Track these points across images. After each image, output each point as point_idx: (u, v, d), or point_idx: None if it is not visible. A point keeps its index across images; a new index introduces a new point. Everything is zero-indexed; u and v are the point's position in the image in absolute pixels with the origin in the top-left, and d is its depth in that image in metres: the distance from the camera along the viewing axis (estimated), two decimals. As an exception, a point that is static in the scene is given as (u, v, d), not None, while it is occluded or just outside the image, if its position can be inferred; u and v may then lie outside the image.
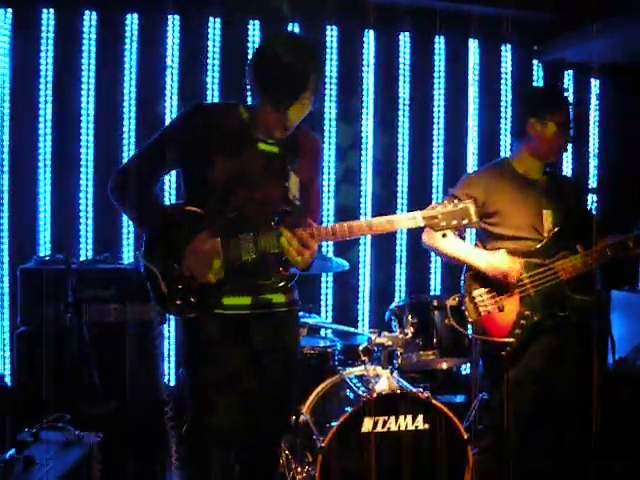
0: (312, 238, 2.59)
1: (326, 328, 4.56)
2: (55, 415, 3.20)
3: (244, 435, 2.83)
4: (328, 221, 5.01)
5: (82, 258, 4.64)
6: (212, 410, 2.73)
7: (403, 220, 2.69)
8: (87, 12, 4.70)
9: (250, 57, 2.72)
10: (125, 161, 2.84)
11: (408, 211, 5.12)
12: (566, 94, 3.74)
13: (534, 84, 5.58)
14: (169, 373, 4.78)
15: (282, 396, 2.88)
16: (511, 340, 3.27)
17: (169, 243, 2.70)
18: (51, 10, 4.64)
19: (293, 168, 2.74)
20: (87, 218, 4.78)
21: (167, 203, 2.87)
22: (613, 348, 4.04)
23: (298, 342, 3.06)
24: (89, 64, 4.73)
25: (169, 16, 4.84)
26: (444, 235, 2.72)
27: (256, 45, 4.95)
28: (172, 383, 4.75)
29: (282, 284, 2.77)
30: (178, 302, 2.67)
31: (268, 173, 2.73)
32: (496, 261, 3.29)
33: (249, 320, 2.75)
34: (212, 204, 2.69)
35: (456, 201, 2.66)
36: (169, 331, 4.73)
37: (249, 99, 2.79)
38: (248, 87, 2.71)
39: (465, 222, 2.65)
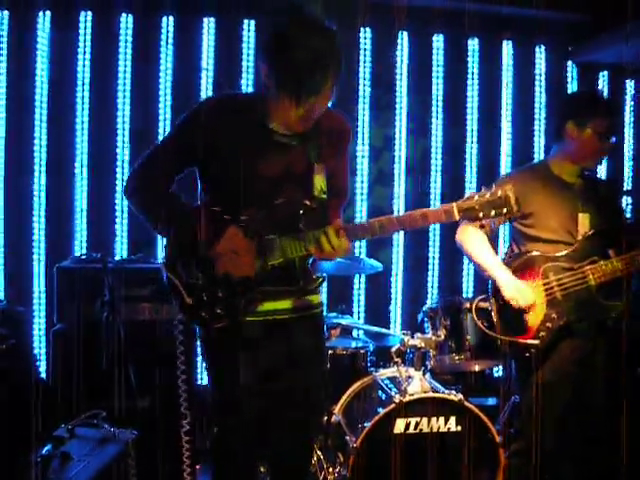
0: (344, 237, 2.47)
1: (358, 329, 4.56)
2: (91, 412, 3.25)
3: (276, 437, 2.78)
4: (361, 222, 5.01)
5: (117, 257, 4.69)
6: (239, 413, 2.65)
7: (437, 213, 2.49)
8: (124, 15, 4.77)
9: (268, 44, 2.42)
10: (138, 162, 2.65)
11: (441, 214, 5.21)
12: (610, 100, 3.65)
13: (569, 86, 5.54)
14: (201, 372, 4.81)
15: (315, 397, 2.80)
16: (536, 342, 3.26)
17: (191, 250, 2.53)
18: (89, 13, 4.73)
19: (317, 158, 2.58)
20: (122, 218, 4.83)
21: (186, 203, 2.65)
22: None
23: (324, 341, 2.96)
24: (125, 66, 4.80)
25: (204, 18, 4.88)
26: (482, 227, 2.58)
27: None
28: (204, 382, 4.78)
29: (312, 286, 2.71)
30: (203, 314, 2.55)
31: (291, 170, 2.58)
32: (510, 284, 3.29)
33: (281, 324, 2.66)
34: (232, 205, 2.54)
35: (494, 189, 2.50)
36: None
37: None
38: (263, 78, 2.47)
39: (505, 211, 2.49)
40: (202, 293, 2.54)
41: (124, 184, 2.69)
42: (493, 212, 2.48)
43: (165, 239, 2.66)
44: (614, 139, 3.43)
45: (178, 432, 3.75)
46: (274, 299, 2.63)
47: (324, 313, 2.90)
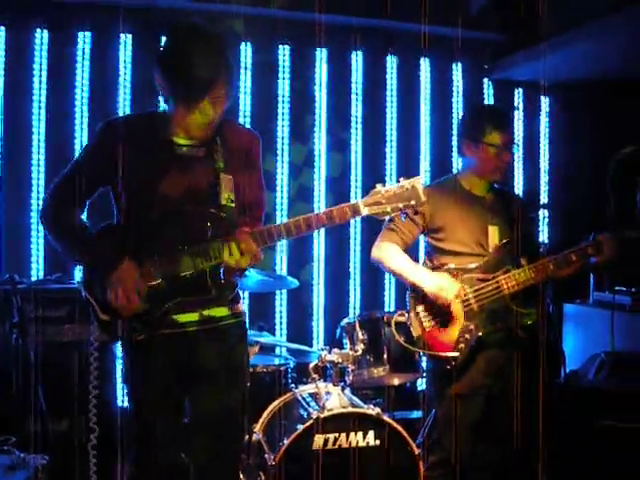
0: (251, 241, 2.48)
1: (278, 346, 4.55)
2: (0, 438, 3.16)
3: (200, 456, 2.71)
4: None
5: (33, 278, 4.59)
6: (156, 432, 2.62)
7: (342, 210, 2.51)
8: (39, 30, 4.69)
9: (155, 55, 2.55)
10: (49, 190, 2.72)
11: (362, 231, 5.27)
12: (500, 112, 3.72)
13: (483, 102, 5.65)
14: (123, 394, 4.73)
15: (232, 413, 2.73)
16: (455, 354, 3.29)
17: (101, 269, 2.57)
18: (1, 28, 4.63)
19: (224, 169, 2.61)
20: (38, 237, 4.73)
21: (89, 232, 2.71)
22: (563, 361, 4.09)
23: (245, 355, 2.86)
24: (40, 82, 4.71)
25: (121, 34, 4.83)
26: (390, 220, 2.54)
27: None
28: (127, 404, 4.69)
29: (225, 296, 2.69)
30: (119, 329, 2.57)
31: (196, 179, 2.60)
32: (434, 282, 3.31)
33: (193, 337, 2.64)
34: (141, 220, 2.57)
35: (401, 180, 2.52)
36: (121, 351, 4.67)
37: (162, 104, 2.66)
38: (159, 89, 2.55)
39: (413, 203, 2.49)
40: (116, 309, 2.54)
41: (40, 212, 2.73)
42: (401, 205, 2.49)
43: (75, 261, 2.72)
44: (515, 149, 3.51)
45: (93, 456, 3.70)
46: (185, 311, 2.62)
47: (245, 325, 2.86)
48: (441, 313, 3.34)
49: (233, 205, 2.60)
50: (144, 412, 2.66)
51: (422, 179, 2.54)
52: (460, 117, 3.86)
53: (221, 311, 2.70)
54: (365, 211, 2.50)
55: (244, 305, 2.87)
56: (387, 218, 3.42)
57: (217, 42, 2.51)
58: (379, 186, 2.53)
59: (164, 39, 2.59)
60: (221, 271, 2.58)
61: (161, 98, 2.62)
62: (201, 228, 2.55)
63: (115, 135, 2.59)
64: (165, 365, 2.61)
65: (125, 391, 2.84)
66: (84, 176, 2.61)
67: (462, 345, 3.30)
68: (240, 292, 2.85)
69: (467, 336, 3.30)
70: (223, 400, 2.69)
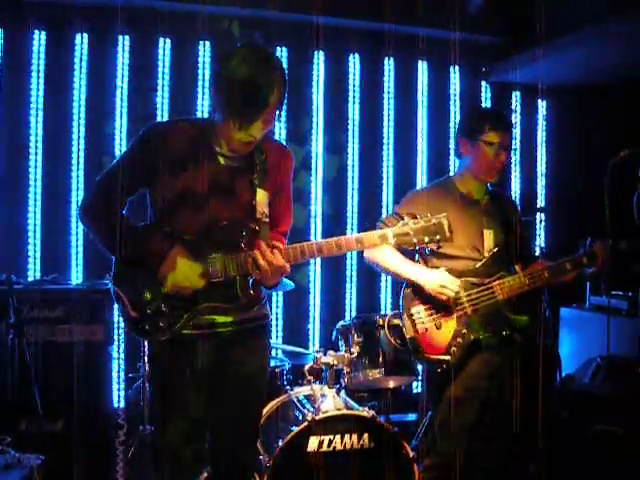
0: (279, 256, 2.53)
1: (273, 348, 4.54)
2: (-5, 437, 3.17)
3: (217, 450, 2.80)
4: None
5: (30, 278, 4.60)
6: (171, 430, 2.68)
7: (373, 238, 2.63)
8: (36, 32, 4.69)
9: (215, 69, 2.63)
10: (91, 187, 2.77)
11: (358, 232, 5.25)
12: (498, 112, 3.74)
13: (483, 106, 5.67)
14: (119, 395, 4.74)
15: (246, 412, 2.81)
16: (447, 358, 3.29)
17: (138, 268, 2.64)
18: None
19: (260, 183, 2.68)
20: (35, 238, 4.74)
21: (136, 225, 2.75)
22: (559, 365, 4.10)
23: (267, 356, 2.96)
24: (38, 84, 4.72)
25: (119, 36, 4.84)
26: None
27: (206, 66, 4.98)
28: (122, 404, 4.70)
29: (252, 304, 2.73)
30: (147, 327, 2.62)
31: (234, 190, 2.67)
32: (434, 277, 3.31)
33: (218, 338, 2.69)
34: (178, 225, 2.63)
35: (429, 216, 2.65)
36: (118, 352, 4.69)
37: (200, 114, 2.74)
38: (211, 99, 2.65)
39: (438, 237, 2.64)
40: (146, 308, 2.62)
41: (78, 209, 2.76)
42: (427, 238, 2.64)
43: (114, 257, 2.72)
44: (509, 151, 3.50)
45: (89, 456, 3.71)
46: (213, 312, 2.67)
47: (269, 327, 2.93)
48: (439, 311, 3.33)
49: (267, 220, 2.68)
50: (167, 410, 2.71)
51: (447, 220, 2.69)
52: (460, 116, 3.87)
53: (244, 314, 2.74)
54: (392, 240, 2.62)
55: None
56: (380, 218, 3.48)
57: (278, 66, 2.58)
58: (407, 218, 2.66)
59: (224, 53, 2.61)
60: (250, 282, 2.64)
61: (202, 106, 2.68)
62: (236, 238, 2.61)
63: (159, 139, 2.65)
64: (188, 364, 2.67)
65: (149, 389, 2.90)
66: (127, 175, 2.66)
67: (454, 349, 3.30)
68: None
69: (460, 340, 3.30)
70: (238, 404, 2.76)
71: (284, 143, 2.93)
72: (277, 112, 2.60)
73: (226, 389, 2.74)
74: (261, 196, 2.67)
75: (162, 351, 2.69)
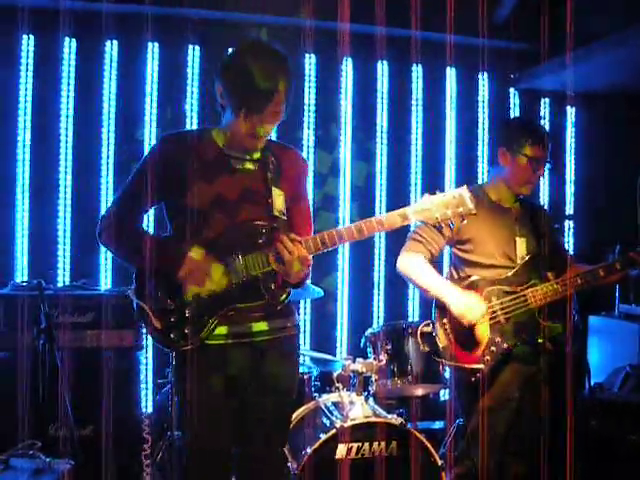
0: (300, 247, 2.53)
1: (301, 355, 4.54)
2: (26, 442, 3.19)
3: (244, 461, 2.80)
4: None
5: (60, 284, 4.63)
6: (198, 439, 2.68)
7: (392, 218, 2.59)
8: (67, 39, 4.74)
9: (221, 64, 2.65)
10: (108, 205, 2.82)
11: (386, 240, 5.27)
12: (541, 127, 3.72)
13: (512, 113, 5.65)
14: (146, 400, 4.76)
15: (268, 430, 2.79)
16: (480, 366, 3.27)
17: (158, 277, 2.64)
18: (31, 36, 4.69)
19: (276, 184, 2.68)
20: (65, 244, 4.78)
21: (153, 236, 2.81)
22: (588, 375, 4.06)
23: (296, 367, 2.93)
24: (68, 91, 4.77)
25: (149, 43, 4.88)
26: (440, 228, 2.63)
27: None
28: (150, 410, 4.73)
29: (275, 307, 2.70)
30: (172, 335, 2.62)
31: (249, 192, 2.67)
32: (462, 301, 3.27)
33: (237, 349, 2.67)
34: (196, 233, 2.63)
35: (449, 190, 2.58)
36: (146, 358, 4.72)
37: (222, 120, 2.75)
38: (219, 101, 2.66)
39: (461, 210, 2.57)
40: (170, 316, 2.63)
41: (97, 228, 2.77)
42: (449, 212, 2.57)
43: (135, 269, 2.73)
44: (548, 165, 3.48)
45: (117, 461, 3.72)
46: (237, 322, 2.65)
47: (298, 338, 2.89)
48: (465, 330, 3.32)
49: (285, 218, 2.68)
50: (195, 421, 2.68)
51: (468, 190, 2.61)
52: (500, 125, 3.83)
53: (275, 323, 2.73)
54: (413, 218, 2.56)
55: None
56: (411, 229, 3.46)
57: (280, 55, 2.60)
58: (427, 195, 2.59)
59: (229, 52, 2.69)
60: (274, 278, 2.63)
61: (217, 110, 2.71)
62: (254, 236, 2.61)
63: (171, 150, 2.68)
64: (214, 375, 2.66)
65: (175, 398, 2.97)
66: (142, 191, 2.67)
67: (488, 357, 3.28)
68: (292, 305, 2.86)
69: (493, 348, 3.28)
70: (269, 412, 2.76)
71: (294, 147, 2.92)
72: (284, 106, 2.60)
73: (259, 399, 2.73)
74: (277, 195, 2.67)
75: (191, 359, 2.65)
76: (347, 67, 5.26)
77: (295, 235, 2.57)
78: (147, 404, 4.75)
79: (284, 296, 2.72)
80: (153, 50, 4.90)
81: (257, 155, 2.73)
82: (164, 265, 2.62)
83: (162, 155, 2.69)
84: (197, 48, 4.97)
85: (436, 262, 3.53)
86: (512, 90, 5.71)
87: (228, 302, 2.62)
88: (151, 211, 3.08)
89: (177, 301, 2.63)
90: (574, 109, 5.88)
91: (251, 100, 2.52)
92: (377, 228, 2.59)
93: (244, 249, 2.59)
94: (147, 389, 4.78)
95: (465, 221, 2.65)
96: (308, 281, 4.91)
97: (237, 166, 2.70)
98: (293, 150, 2.90)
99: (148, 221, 4.68)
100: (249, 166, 2.71)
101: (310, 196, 5.02)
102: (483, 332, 3.28)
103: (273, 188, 2.67)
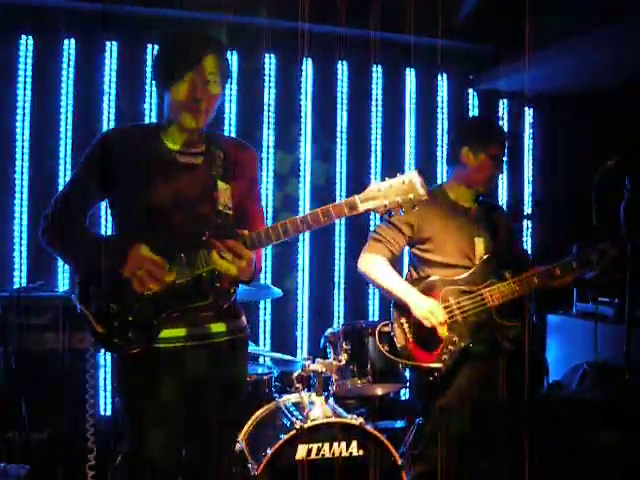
0: (245, 246, 2.45)
1: (261, 356, 4.54)
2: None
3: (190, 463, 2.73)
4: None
5: (16, 285, 4.56)
6: (148, 444, 2.59)
7: (339, 208, 2.43)
8: (23, 37, 4.67)
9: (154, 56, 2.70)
10: (50, 204, 2.68)
11: (346, 240, 5.28)
12: (501, 127, 3.78)
13: (470, 113, 5.69)
14: (105, 402, 4.71)
15: (220, 431, 2.72)
16: (438, 366, 3.30)
17: (101, 279, 2.53)
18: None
19: (222, 178, 2.61)
20: (22, 245, 4.70)
21: (97, 235, 2.75)
22: (547, 372, 4.11)
23: (244, 370, 2.89)
24: (25, 89, 4.69)
25: (107, 42, 4.82)
26: (390, 215, 2.49)
27: None
28: (108, 413, 4.67)
29: (222, 308, 2.64)
30: (116, 340, 2.53)
31: (193, 186, 2.60)
32: (424, 304, 3.31)
33: (187, 352, 2.61)
34: (141, 231, 2.55)
35: (398, 175, 2.44)
36: (104, 359, 4.67)
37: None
38: (157, 92, 2.67)
39: (411, 197, 2.39)
40: (113, 320, 2.53)
41: (40, 227, 2.67)
42: (399, 199, 2.39)
43: (77, 272, 2.66)
44: (504, 164, 3.56)
45: (75, 465, 3.67)
46: (181, 325, 2.59)
47: (246, 341, 2.85)
48: (423, 330, 3.33)
49: (230, 213, 2.60)
50: (139, 424, 2.62)
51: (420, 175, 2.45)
52: (461, 124, 3.85)
53: (219, 326, 2.67)
54: (362, 207, 2.42)
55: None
56: (373, 229, 3.47)
57: (205, 34, 2.63)
58: (374, 181, 2.47)
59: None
60: (218, 276, 2.54)
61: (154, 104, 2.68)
62: (199, 233, 2.51)
63: (112, 146, 2.60)
64: (160, 378, 2.59)
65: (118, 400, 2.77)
66: (84, 189, 2.63)
67: (446, 356, 3.30)
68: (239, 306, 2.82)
69: (451, 347, 3.31)
70: (219, 414, 2.70)
71: (245, 141, 2.86)
72: (217, 70, 2.56)
73: (212, 401, 2.67)
74: (223, 189, 2.60)
75: (138, 363, 2.58)
76: (307, 67, 5.26)
77: (240, 230, 2.50)
78: (106, 407, 4.70)
79: (230, 295, 2.67)
80: (111, 49, 4.83)
81: (203, 148, 2.67)
82: (107, 265, 2.52)
83: (104, 152, 2.60)
84: (156, 47, 4.89)
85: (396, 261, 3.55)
86: (471, 91, 5.75)
87: (173, 303, 2.54)
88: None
89: (120, 304, 2.52)
90: (532, 110, 5.95)
91: (173, 68, 2.52)
92: (323, 219, 2.46)
93: (188, 247, 2.50)
94: (106, 392, 4.73)
95: (416, 208, 2.48)
96: (268, 281, 4.96)
97: (181, 160, 2.63)
98: (243, 143, 2.83)
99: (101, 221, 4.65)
100: (194, 161, 2.64)
101: (270, 196, 5.10)
102: (441, 332, 3.30)
103: (219, 182, 2.60)
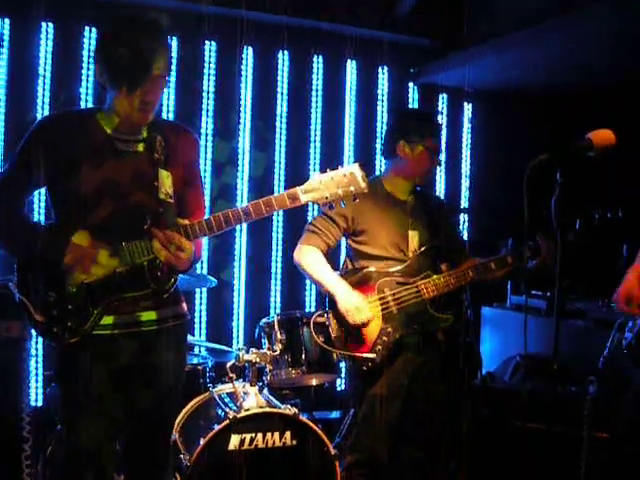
0: (186, 237, 2.46)
1: (196, 345, 4.50)
2: None
3: (130, 452, 2.76)
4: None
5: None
6: (83, 432, 2.57)
7: (281, 199, 2.48)
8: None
9: (95, 47, 2.56)
10: None
11: (284, 231, 5.26)
12: (439, 120, 3.81)
13: (408, 106, 5.72)
14: (36, 392, 4.62)
15: (156, 421, 2.74)
16: (372, 356, 3.31)
17: (40, 267, 2.53)
18: None
19: (163, 165, 2.58)
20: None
21: (36, 223, 2.74)
22: (480, 363, 4.17)
23: (183, 356, 2.86)
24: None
25: (42, 23, 4.70)
26: (330, 207, 2.51)
27: None
28: (39, 403, 4.59)
29: (162, 296, 2.62)
30: (55, 329, 2.51)
31: (134, 175, 2.57)
32: (350, 299, 3.32)
33: (118, 340, 2.59)
34: (81, 219, 2.52)
35: (340, 168, 2.49)
36: (36, 349, 4.58)
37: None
38: (100, 81, 2.55)
39: (352, 189, 2.47)
40: (52, 309, 2.51)
41: None
42: (340, 191, 2.45)
43: (16, 260, 2.61)
44: (440, 156, 3.58)
45: (11, 454, 3.61)
46: (121, 312, 2.58)
47: (185, 327, 2.83)
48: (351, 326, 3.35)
49: (171, 201, 2.58)
50: (75, 412, 2.60)
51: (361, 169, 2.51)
52: (397, 117, 3.86)
53: (149, 314, 2.65)
54: (304, 198, 2.46)
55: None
56: (310, 221, 3.47)
57: (155, 24, 2.51)
58: (316, 173, 2.51)
59: (101, 30, 2.65)
60: (159, 265, 2.54)
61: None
62: (139, 222, 2.49)
63: (50, 133, 2.55)
64: (94, 366, 2.56)
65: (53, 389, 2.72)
66: (21, 176, 2.58)
67: (379, 347, 3.32)
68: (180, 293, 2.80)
69: (385, 338, 3.33)
70: (157, 402, 2.70)
71: (184, 125, 2.83)
72: (166, 70, 2.52)
73: (146, 389, 2.66)
74: (164, 177, 2.57)
75: (75, 352, 2.55)
76: (247, 55, 5.21)
77: (181, 221, 2.52)
78: (37, 397, 4.61)
79: (170, 284, 2.65)
80: (47, 30, 4.71)
81: (144, 135, 2.63)
82: (47, 253, 2.51)
83: (41, 138, 2.55)
84: (94, 30, 4.81)
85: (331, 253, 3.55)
86: (411, 84, 5.79)
87: (113, 291, 2.53)
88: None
89: (59, 293, 2.51)
90: (471, 105, 6.01)
91: (130, 74, 2.43)
92: (265, 209, 2.49)
93: (129, 236, 2.49)
94: (37, 382, 4.64)
95: (357, 200, 2.55)
96: (204, 270, 4.91)
97: (122, 148, 2.58)
98: (183, 128, 2.79)
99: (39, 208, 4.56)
100: (135, 148, 2.61)
101: (208, 185, 5.05)
102: (374, 323, 3.32)
103: (160, 170, 2.57)
